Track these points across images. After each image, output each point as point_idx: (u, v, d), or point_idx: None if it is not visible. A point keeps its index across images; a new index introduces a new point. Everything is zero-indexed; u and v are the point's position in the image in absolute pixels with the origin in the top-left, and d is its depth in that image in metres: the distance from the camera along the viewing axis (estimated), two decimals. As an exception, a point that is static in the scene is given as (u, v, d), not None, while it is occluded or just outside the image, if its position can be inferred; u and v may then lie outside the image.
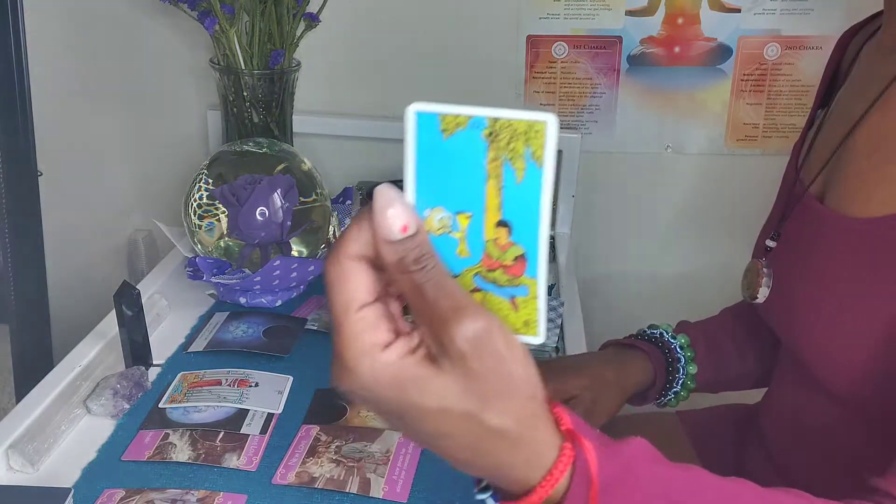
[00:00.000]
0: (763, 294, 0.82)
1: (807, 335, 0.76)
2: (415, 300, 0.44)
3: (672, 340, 0.95)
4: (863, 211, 0.72)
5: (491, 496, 0.51)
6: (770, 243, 0.83)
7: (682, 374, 0.95)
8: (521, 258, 0.46)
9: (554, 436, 0.47)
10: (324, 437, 0.81)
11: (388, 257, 0.44)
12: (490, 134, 0.45)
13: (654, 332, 0.97)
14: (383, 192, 0.44)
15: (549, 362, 0.95)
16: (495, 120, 0.44)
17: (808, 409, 0.80)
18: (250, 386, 0.88)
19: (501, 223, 0.46)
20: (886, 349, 0.68)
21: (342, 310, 0.44)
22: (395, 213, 0.44)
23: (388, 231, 0.44)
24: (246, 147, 1.10)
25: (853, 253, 0.72)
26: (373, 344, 0.44)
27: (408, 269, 0.44)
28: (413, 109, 0.45)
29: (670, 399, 0.96)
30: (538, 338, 0.48)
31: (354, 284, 0.44)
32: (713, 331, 0.99)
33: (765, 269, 0.82)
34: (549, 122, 0.44)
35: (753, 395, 0.98)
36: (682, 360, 0.95)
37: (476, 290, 0.48)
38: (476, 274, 0.47)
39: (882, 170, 0.71)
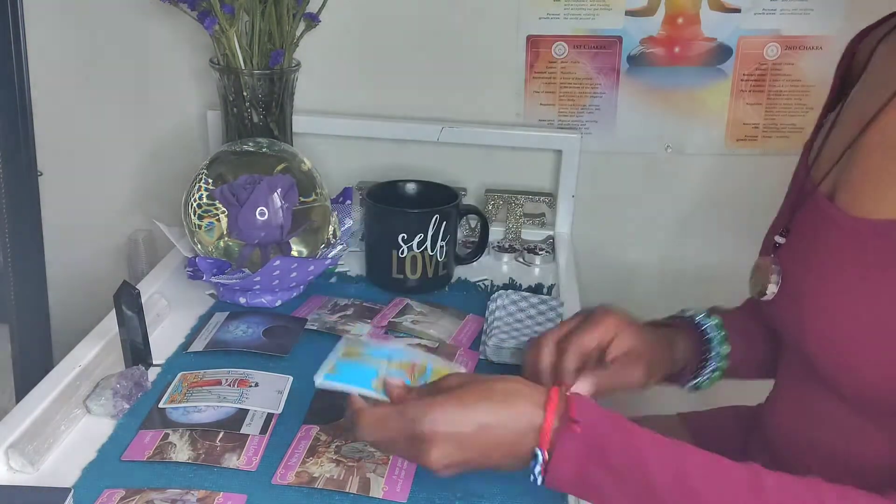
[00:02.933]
0: (772, 291, 0.81)
1: (814, 333, 0.75)
2: None
3: (705, 321, 0.94)
4: (873, 212, 0.71)
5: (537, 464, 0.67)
6: (779, 239, 0.83)
7: (715, 355, 0.92)
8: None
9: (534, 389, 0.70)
10: (324, 437, 0.81)
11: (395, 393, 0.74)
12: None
13: (686, 315, 0.95)
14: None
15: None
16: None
17: (815, 408, 0.80)
18: (250, 386, 0.88)
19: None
20: (894, 350, 0.67)
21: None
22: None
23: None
24: (246, 147, 1.10)
25: (861, 254, 0.71)
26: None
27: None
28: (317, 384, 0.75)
29: (703, 381, 0.93)
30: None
31: None
32: (741, 315, 0.97)
33: (774, 266, 0.82)
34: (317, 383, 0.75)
35: (758, 397, 0.98)
36: (715, 339, 0.93)
37: None
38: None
39: (893, 171, 0.70)
